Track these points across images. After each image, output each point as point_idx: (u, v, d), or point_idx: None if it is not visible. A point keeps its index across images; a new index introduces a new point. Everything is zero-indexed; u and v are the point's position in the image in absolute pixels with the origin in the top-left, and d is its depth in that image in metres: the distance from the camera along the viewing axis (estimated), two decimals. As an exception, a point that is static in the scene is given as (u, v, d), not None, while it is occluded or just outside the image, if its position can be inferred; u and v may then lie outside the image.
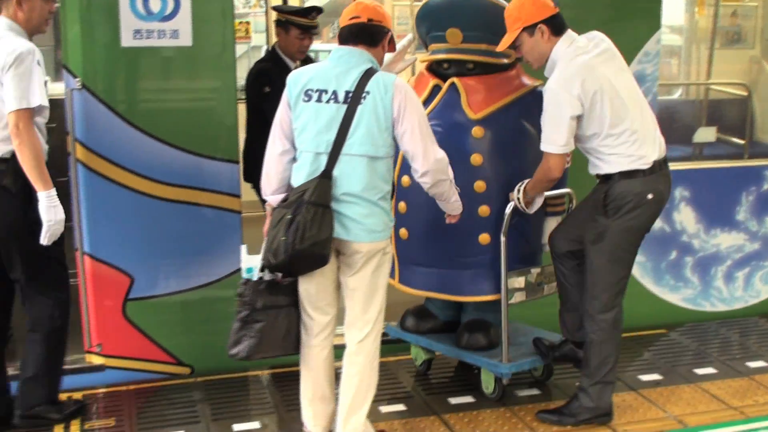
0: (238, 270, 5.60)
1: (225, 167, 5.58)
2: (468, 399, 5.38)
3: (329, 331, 4.61)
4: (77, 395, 5.42)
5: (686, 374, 5.75)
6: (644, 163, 4.73)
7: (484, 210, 5.13)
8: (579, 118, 4.66)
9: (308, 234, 4.19)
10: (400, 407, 5.29)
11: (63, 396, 5.34)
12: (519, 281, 5.20)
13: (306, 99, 4.36)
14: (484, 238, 5.15)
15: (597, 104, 4.63)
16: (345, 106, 4.29)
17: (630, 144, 4.70)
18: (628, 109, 4.69)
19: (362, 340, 4.52)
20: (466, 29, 5.13)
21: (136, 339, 5.67)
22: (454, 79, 5.22)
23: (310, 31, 6.31)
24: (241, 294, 4.52)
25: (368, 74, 4.33)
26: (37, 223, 4.69)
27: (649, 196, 4.76)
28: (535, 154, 4.88)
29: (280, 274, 4.54)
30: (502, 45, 4.83)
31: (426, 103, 5.18)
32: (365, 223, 4.35)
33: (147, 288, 5.63)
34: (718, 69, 9.04)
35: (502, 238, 5.03)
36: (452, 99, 5.22)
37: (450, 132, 5.10)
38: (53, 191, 4.67)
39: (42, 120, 4.82)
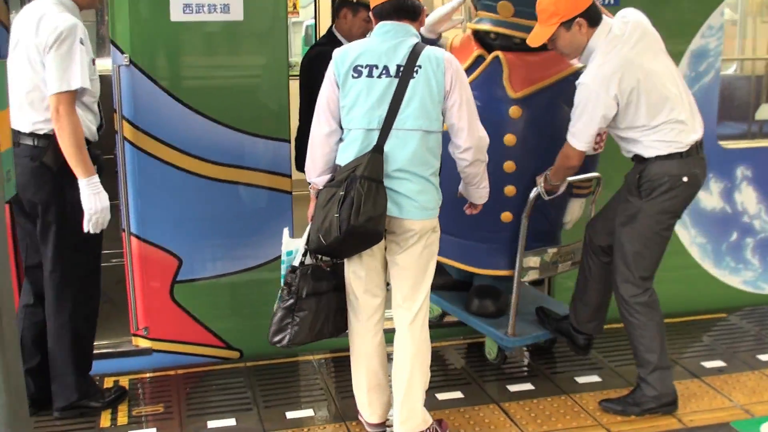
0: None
1: (275, 146, 5.42)
2: (527, 386, 5.23)
3: (380, 315, 4.51)
4: (123, 379, 5.32)
5: (749, 360, 5.57)
6: (682, 146, 4.60)
7: (510, 190, 5.09)
8: (614, 116, 4.56)
9: (363, 209, 4.07)
10: (457, 394, 5.14)
11: (109, 380, 5.27)
12: (534, 261, 5.16)
13: (356, 75, 4.24)
14: (506, 216, 5.13)
15: (633, 102, 4.51)
16: (397, 80, 4.19)
17: (668, 131, 4.57)
18: (667, 98, 4.55)
19: (413, 321, 4.41)
20: (518, 4, 4.98)
21: (184, 322, 5.55)
22: (499, 53, 5.08)
23: None
24: (290, 283, 4.43)
25: (417, 47, 4.23)
26: (76, 207, 4.52)
27: (684, 179, 4.63)
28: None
29: (325, 259, 4.47)
30: (535, 41, 4.65)
31: (468, 72, 4.96)
32: (418, 200, 4.25)
33: (195, 270, 5.50)
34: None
35: (524, 221, 4.96)
36: (494, 73, 5.07)
37: (487, 107, 4.88)
38: (95, 178, 4.50)
39: (91, 99, 4.66)
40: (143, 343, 5.55)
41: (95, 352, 5.36)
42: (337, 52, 4.34)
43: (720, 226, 6.29)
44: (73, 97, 4.44)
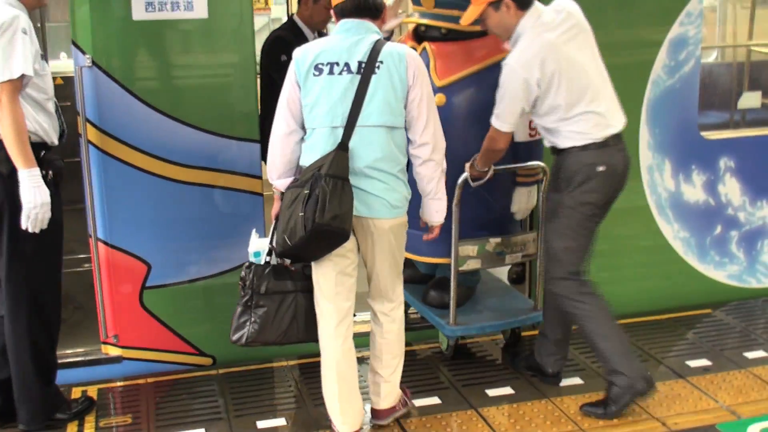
0: (261, 254, 5.41)
1: (245, 147, 5.27)
2: (507, 390, 5.09)
3: (350, 320, 4.46)
4: (92, 389, 5.18)
5: (735, 358, 5.43)
6: (598, 138, 4.59)
7: None
8: (535, 99, 4.56)
9: (329, 207, 4.02)
10: (434, 400, 5.00)
11: (78, 390, 5.13)
12: (472, 249, 5.14)
13: (317, 73, 4.21)
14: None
15: (553, 87, 4.52)
16: (359, 77, 4.18)
17: (584, 122, 4.58)
18: (588, 87, 4.57)
19: (393, 309, 4.54)
20: None
21: (154, 329, 5.40)
22: (426, 44, 5.17)
23: None
24: (243, 278, 4.40)
25: (378, 44, 4.23)
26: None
27: (600, 168, 4.61)
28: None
29: (289, 261, 4.43)
30: (466, 20, 4.68)
31: None
32: (386, 199, 4.26)
33: (165, 275, 5.35)
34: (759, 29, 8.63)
35: (454, 208, 4.92)
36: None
37: None
38: (36, 170, 4.28)
39: (43, 96, 4.46)
40: (113, 351, 5.40)
41: (64, 361, 5.28)
42: (297, 52, 4.30)
43: (703, 220, 6.14)
44: (16, 86, 4.25)
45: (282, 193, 4.32)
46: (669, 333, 5.79)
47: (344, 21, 4.30)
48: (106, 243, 5.21)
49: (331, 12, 4.37)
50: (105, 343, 5.39)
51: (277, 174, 4.35)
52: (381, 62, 4.19)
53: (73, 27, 4.96)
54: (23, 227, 4.31)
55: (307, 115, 4.25)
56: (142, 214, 5.23)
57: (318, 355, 4.56)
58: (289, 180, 4.30)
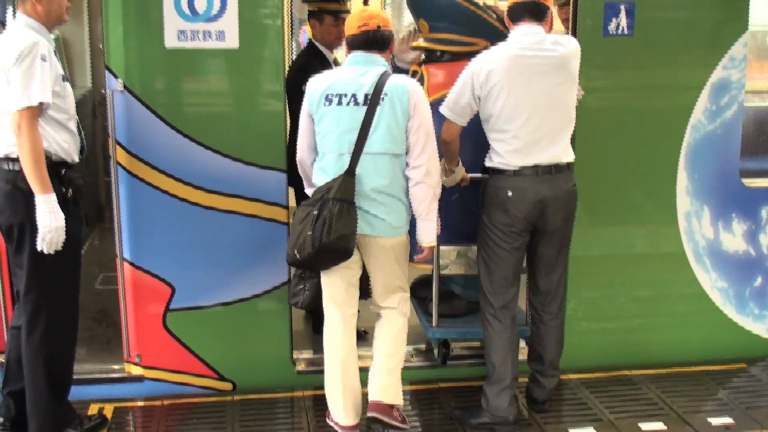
0: (285, 283, 5.46)
1: (271, 176, 5.32)
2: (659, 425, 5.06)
3: (353, 323, 4.88)
4: (109, 407, 5.27)
5: (762, 418, 5.19)
6: (516, 164, 4.86)
7: None
8: (479, 98, 4.83)
9: (335, 228, 4.49)
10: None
11: (95, 407, 5.23)
12: (452, 254, 5.44)
13: (327, 104, 4.65)
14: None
15: (492, 96, 4.78)
16: (365, 108, 4.59)
17: (507, 145, 4.85)
18: (522, 114, 4.78)
19: (394, 313, 4.89)
20: (430, 20, 5.44)
21: (176, 351, 5.47)
22: (422, 66, 5.54)
23: (342, 16, 6.16)
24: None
25: (384, 77, 4.63)
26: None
27: (509, 194, 4.88)
28: (472, 141, 5.08)
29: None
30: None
31: None
32: (388, 220, 4.69)
33: (188, 299, 5.42)
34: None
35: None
36: (421, 83, 5.37)
37: None
38: (52, 195, 4.43)
39: (64, 116, 4.61)
40: (135, 371, 5.49)
41: (86, 377, 5.43)
42: (309, 85, 4.72)
43: (743, 270, 5.93)
44: (35, 112, 4.40)
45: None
46: (697, 386, 5.58)
47: (354, 54, 4.72)
48: (131, 264, 5.31)
49: (344, 43, 4.85)
50: (128, 362, 5.49)
51: (308, 185, 4.93)
52: (385, 94, 4.59)
53: (106, 51, 5.09)
54: (38, 249, 4.44)
55: (319, 141, 4.71)
56: (168, 237, 5.31)
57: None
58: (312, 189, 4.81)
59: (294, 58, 6.49)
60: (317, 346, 5.88)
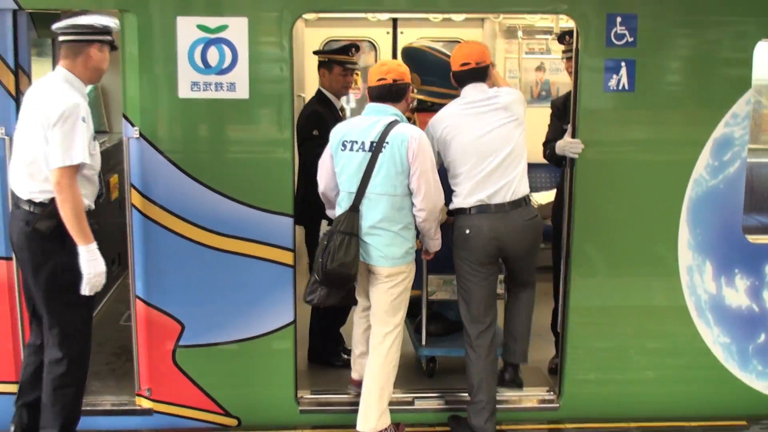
0: (290, 323, 5.67)
1: (278, 220, 5.55)
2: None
3: (367, 315, 5.64)
4: (118, 438, 5.52)
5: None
6: (469, 203, 5.47)
7: None
8: (438, 151, 5.53)
9: (336, 256, 5.23)
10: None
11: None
12: (438, 282, 6.24)
13: (343, 148, 5.36)
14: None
15: (445, 146, 5.51)
16: (370, 154, 5.25)
17: (461, 187, 5.49)
18: (470, 156, 5.44)
19: (381, 343, 5.44)
20: (423, 74, 6.20)
21: (184, 386, 5.70)
22: (414, 114, 6.38)
23: (351, 68, 6.59)
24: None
25: (390, 126, 5.26)
26: (69, 270, 4.85)
27: (467, 231, 5.50)
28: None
29: None
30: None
31: None
32: (385, 252, 5.33)
33: (197, 336, 5.66)
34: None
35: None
36: None
37: None
38: (93, 245, 4.83)
39: (91, 172, 4.98)
40: (146, 404, 5.72)
41: (99, 408, 5.72)
42: (333, 130, 5.45)
43: (747, 326, 5.91)
44: (75, 171, 4.78)
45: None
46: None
47: (370, 104, 5.43)
48: (144, 301, 5.57)
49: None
50: (139, 395, 5.73)
51: (329, 208, 5.67)
52: (387, 143, 5.23)
53: (123, 101, 5.40)
54: (82, 293, 4.83)
55: (338, 179, 5.42)
56: (179, 277, 5.57)
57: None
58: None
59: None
60: (321, 386, 6.12)
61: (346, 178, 5.32)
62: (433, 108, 6.01)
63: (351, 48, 6.60)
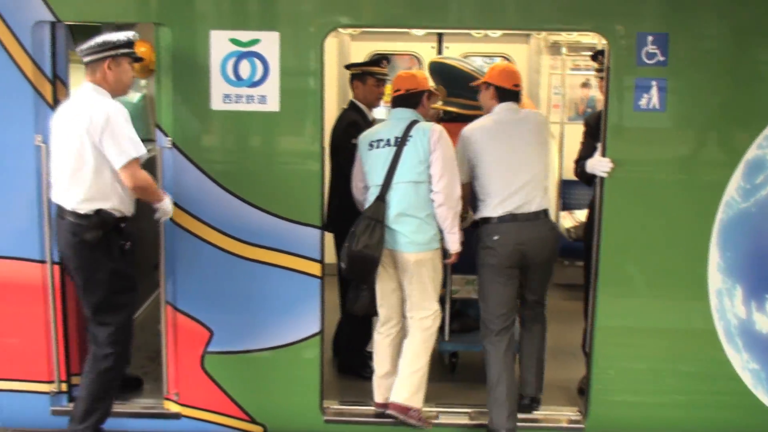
0: (317, 334, 5.74)
1: (307, 231, 5.64)
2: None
3: (392, 324, 5.89)
4: (145, 440, 5.67)
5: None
6: (498, 213, 5.78)
7: None
8: (469, 160, 5.87)
9: (361, 239, 5.55)
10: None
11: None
12: (461, 282, 6.54)
13: (369, 148, 5.83)
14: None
15: (476, 157, 5.82)
16: (395, 148, 5.69)
17: (492, 196, 5.80)
18: (502, 169, 5.78)
19: (416, 326, 5.75)
20: (447, 86, 6.56)
21: (212, 392, 5.81)
22: (441, 123, 6.40)
23: (383, 79, 6.86)
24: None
25: (412, 124, 5.75)
26: (116, 275, 5.20)
27: (495, 238, 5.79)
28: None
29: None
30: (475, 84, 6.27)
31: None
32: (411, 237, 5.65)
33: (225, 343, 5.77)
34: None
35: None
36: None
37: None
38: (165, 201, 5.35)
39: None
40: (174, 408, 5.86)
41: (130, 411, 5.89)
42: (360, 137, 5.93)
43: (777, 352, 5.80)
44: (136, 164, 5.08)
45: None
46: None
47: (393, 110, 5.92)
48: (173, 306, 5.72)
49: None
50: (167, 399, 5.87)
51: (361, 208, 5.91)
52: (411, 136, 5.69)
53: (158, 111, 5.55)
54: (160, 220, 5.49)
55: (366, 178, 5.85)
56: (208, 284, 5.69)
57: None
58: None
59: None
60: (347, 397, 6.19)
61: (374, 173, 5.74)
62: (459, 119, 6.49)
63: (383, 60, 6.79)
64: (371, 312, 5.92)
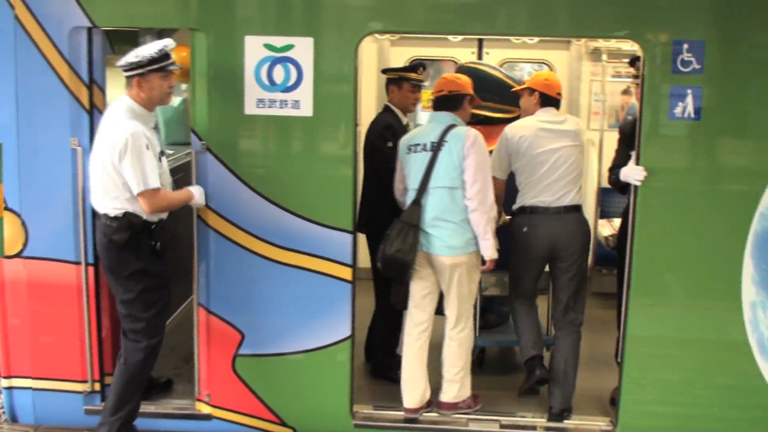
0: (348, 338, 5.78)
1: (338, 236, 5.66)
2: None
3: (423, 328, 5.99)
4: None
5: None
6: (531, 203, 6.10)
7: None
8: (510, 155, 6.15)
9: (394, 244, 5.71)
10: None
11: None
12: (491, 280, 6.84)
13: (408, 152, 5.97)
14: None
15: (520, 153, 6.08)
16: (431, 153, 5.81)
17: (529, 189, 6.10)
18: (539, 166, 6.05)
19: (453, 328, 5.94)
20: (479, 92, 6.44)
21: (242, 394, 5.87)
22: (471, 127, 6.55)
23: (419, 84, 6.88)
24: None
25: (448, 128, 5.84)
26: (143, 274, 5.32)
27: (524, 229, 6.13)
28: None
29: None
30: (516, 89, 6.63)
31: None
32: (447, 241, 5.79)
33: (256, 346, 5.82)
34: None
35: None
36: None
37: None
38: (191, 198, 5.49)
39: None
40: (205, 409, 5.92)
41: (161, 411, 5.97)
42: (400, 141, 6.08)
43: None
44: (152, 194, 5.21)
45: None
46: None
47: (432, 113, 6.08)
48: (205, 308, 5.78)
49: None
50: (199, 400, 5.93)
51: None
52: (446, 141, 5.79)
53: (192, 115, 5.63)
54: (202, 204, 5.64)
55: (406, 179, 5.97)
56: (240, 287, 5.75)
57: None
58: None
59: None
60: (377, 401, 6.21)
61: (411, 176, 5.90)
62: (490, 121, 6.82)
63: (420, 66, 6.82)
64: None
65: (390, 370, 6.63)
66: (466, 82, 6.11)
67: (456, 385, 5.97)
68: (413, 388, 5.94)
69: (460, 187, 5.75)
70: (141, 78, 5.20)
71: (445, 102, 5.98)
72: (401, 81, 6.70)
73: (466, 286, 5.89)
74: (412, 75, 6.72)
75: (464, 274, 5.84)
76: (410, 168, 5.89)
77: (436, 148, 5.76)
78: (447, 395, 6.00)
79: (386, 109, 6.80)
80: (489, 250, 5.80)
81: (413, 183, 5.86)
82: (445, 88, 6.01)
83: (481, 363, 7.02)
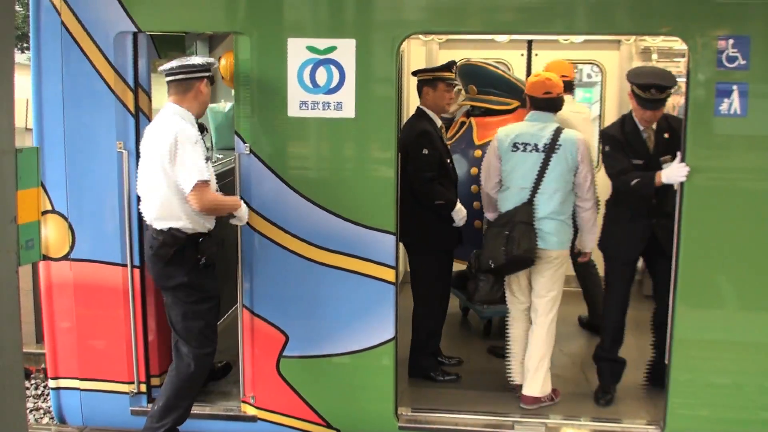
0: (390, 340, 5.77)
1: (381, 237, 5.66)
2: None
3: (524, 308, 6.43)
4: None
5: None
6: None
7: (476, 204, 7.21)
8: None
9: (522, 244, 6.02)
10: None
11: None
12: None
13: (514, 149, 6.20)
14: (477, 223, 7.37)
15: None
16: (543, 155, 6.10)
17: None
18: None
19: (544, 317, 6.27)
20: (478, 86, 7.41)
21: (287, 395, 5.89)
22: (471, 119, 7.68)
23: (453, 83, 6.83)
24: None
25: (558, 131, 6.13)
26: (188, 287, 5.37)
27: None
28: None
29: None
30: None
31: (456, 132, 7.75)
32: (557, 237, 6.15)
33: (301, 347, 5.84)
34: None
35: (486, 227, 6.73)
36: (469, 129, 7.75)
37: (463, 151, 7.66)
38: (241, 209, 5.53)
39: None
40: (250, 411, 5.95)
41: (209, 412, 6.02)
42: (500, 133, 6.34)
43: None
44: (206, 186, 5.21)
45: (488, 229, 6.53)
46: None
47: (533, 112, 6.27)
48: (250, 310, 5.81)
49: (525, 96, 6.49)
50: (244, 402, 5.96)
51: (487, 210, 6.57)
52: (560, 145, 6.10)
53: (236, 118, 5.67)
54: (236, 223, 5.68)
55: (505, 177, 6.26)
56: (284, 289, 5.78)
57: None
58: (495, 214, 6.39)
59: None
60: (421, 404, 6.18)
61: (518, 176, 6.18)
62: (487, 113, 7.55)
63: (453, 65, 6.72)
64: (491, 300, 6.49)
65: (430, 370, 6.64)
66: (561, 82, 6.36)
67: (540, 379, 6.22)
68: (516, 364, 6.43)
69: (570, 190, 6.14)
70: (204, 81, 5.37)
71: (552, 103, 6.20)
72: (435, 81, 6.59)
73: (560, 279, 6.29)
74: (447, 74, 6.61)
75: (561, 267, 6.28)
76: (517, 166, 6.16)
77: (549, 150, 6.07)
78: (531, 389, 6.24)
79: (420, 114, 6.67)
80: (592, 242, 6.42)
81: (521, 182, 6.14)
82: (553, 90, 6.19)
83: (488, 332, 7.74)
